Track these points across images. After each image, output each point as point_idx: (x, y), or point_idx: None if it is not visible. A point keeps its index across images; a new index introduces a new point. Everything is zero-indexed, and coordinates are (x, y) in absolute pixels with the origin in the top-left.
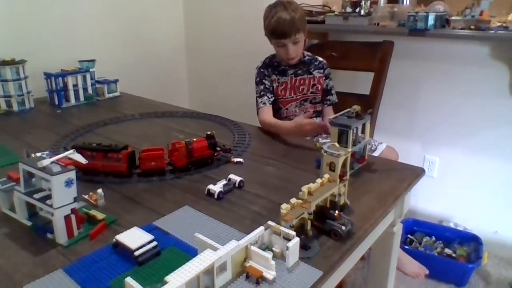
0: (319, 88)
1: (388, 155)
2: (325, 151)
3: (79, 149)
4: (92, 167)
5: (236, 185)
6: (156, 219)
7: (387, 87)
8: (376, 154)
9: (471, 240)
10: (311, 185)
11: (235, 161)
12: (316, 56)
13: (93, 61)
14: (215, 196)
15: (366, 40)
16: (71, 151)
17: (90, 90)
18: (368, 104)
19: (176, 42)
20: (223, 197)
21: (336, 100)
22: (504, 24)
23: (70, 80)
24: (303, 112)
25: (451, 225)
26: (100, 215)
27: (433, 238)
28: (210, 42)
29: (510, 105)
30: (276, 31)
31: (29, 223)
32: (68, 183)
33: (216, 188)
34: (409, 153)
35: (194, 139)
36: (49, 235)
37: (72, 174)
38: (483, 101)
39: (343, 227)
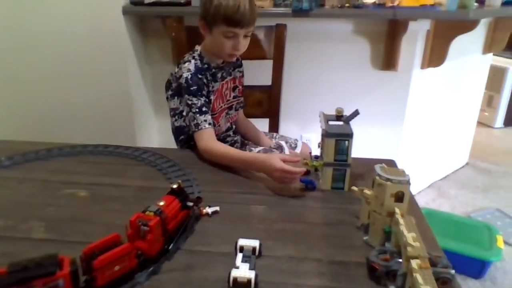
0: (240, 90)
1: (305, 150)
2: (389, 180)
3: None
4: None
5: (256, 253)
6: None
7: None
8: (298, 151)
9: None
10: (411, 234)
11: (209, 212)
12: None
13: None
14: (252, 286)
15: None
16: None
17: None
18: (273, 95)
19: None
20: (259, 280)
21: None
22: (377, 2)
23: None
24: (229, 123)
25: None
26: None
27: None
28: (10, 40)
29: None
30: (232, 17)
31: None
32: None
33: (245, 271)
34: (286, 133)
35: (161, 203)
36: None
37: None
38: (352, 75)
39: (452, 271)
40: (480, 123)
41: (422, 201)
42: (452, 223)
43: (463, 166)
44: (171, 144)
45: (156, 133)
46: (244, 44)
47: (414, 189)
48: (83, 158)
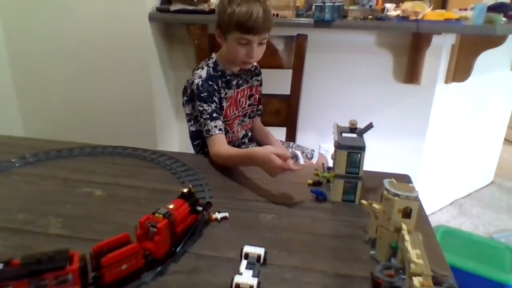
0: (256, 98)
1: (321, 161)
2: (397, 195)
3: None
4: None
5: (261, 260)
6: None
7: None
8: (314, 161)
9: None
10: (415, 250)
11: (218, 218)
12: None
13: None
14: None
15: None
16: None
17: None
18: (291, 104)
19: None
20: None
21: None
22: (400, 14)
23: None
24: (244, 130)
25: None
26: None
27: None
28: (39, 41)
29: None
30: (245, 24)
31: None
32: None
33: (248, 278)
34: (304, 143)
35: (171, 206)
36: None
37: None
38: (374, 87)
39: None
40: (507, 141)
41: (443, 218)
42: (472, 243)
43: (487, 185)
44: (191, 148)
45: (176, 137)
46: (258, 52)
47: (435, 205)
48: (103, 159)
